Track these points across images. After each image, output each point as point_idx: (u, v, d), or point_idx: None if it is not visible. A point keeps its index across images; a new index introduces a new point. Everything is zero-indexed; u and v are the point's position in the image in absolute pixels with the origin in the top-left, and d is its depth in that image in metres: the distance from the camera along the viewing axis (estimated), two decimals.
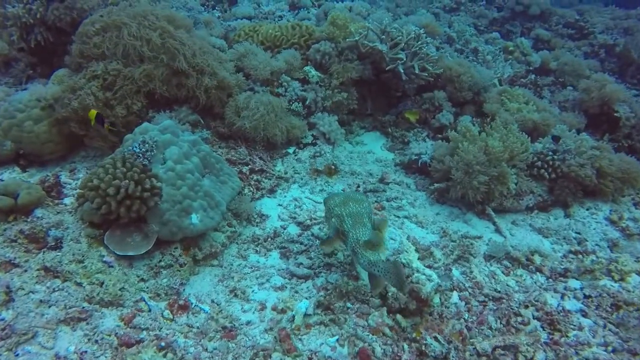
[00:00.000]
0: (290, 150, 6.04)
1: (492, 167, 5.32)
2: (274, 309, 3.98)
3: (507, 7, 13.15)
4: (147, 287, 3.96)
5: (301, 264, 4.49)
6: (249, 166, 5.44)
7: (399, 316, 3.84)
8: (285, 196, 5.45)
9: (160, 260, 4.09)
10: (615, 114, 7.07)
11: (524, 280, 4.64)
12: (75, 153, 5.42)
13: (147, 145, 4.22)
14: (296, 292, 4.19)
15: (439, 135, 6.84)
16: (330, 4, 8.81)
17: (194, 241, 4.37)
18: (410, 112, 7.02)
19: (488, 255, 4.91)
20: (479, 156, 5.28)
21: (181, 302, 3.90)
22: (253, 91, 6.03)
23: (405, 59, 6.41)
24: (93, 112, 4.71)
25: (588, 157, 5.65)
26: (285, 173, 5.71)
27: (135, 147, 4.19)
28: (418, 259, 4.21)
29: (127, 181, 3.89)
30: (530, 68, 10.07)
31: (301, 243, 4.74)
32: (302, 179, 5.72)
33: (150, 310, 3.81)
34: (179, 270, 4.13)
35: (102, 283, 3.78)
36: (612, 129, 7.18)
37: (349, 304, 4.00)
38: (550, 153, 5.71)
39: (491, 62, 9.02)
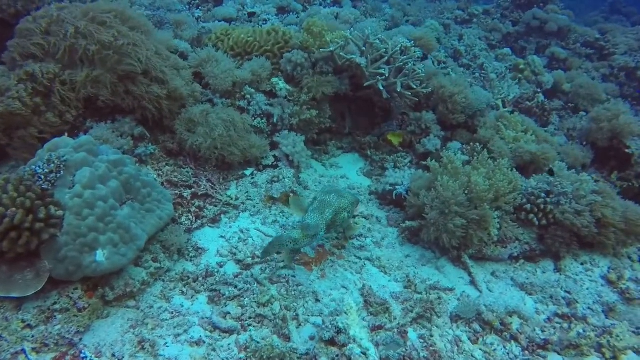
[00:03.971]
0: (248, 172, 5.31)
1: (472, 208, 4.58)
2: None
3: (522, 21, 12.31)
4: (33, 336, 3.31)
5: (229, 313, 3.81)
6: (192, 190, 4.76)
7: None
8: (230, 227, 4.75)
9: (55, 303, 3.46)
10: (626, 150, 6.21)
11: (494, 351, 3.87)
12: (4, 162, 4.86)
13: (52, 165, 3.60)
14: (214, 349, 3.52)
15: (424, 162, 6.09)
16: (317, 8, 8.07)
17: (105, 279, 3.73)
18: (393, 134, 6.30)
19: (456, 314, 4.15)
20: (458, 195, 4.53)
21: (68, 357, 3.25)
22: (212, 103, 5.37)
23: (387, 75, 5.67)
24: None
25: (587, 203, 4.81)
26: (237, 199, 5.00)
27: (38, 167, 3.57)
28: (363, 319, 3.51)
29: (14, 209, 3.26)
30: (539, 90, 9.21)
31: (236, 286, 4.05)
32: (254, 206, 5.00)
33: None
34: (77, 316, 3.47)
35: None
36: (622, 167, 6.32)
37: None
38: (543, 195, 4.91)
39: (495, 82, 8.21)
